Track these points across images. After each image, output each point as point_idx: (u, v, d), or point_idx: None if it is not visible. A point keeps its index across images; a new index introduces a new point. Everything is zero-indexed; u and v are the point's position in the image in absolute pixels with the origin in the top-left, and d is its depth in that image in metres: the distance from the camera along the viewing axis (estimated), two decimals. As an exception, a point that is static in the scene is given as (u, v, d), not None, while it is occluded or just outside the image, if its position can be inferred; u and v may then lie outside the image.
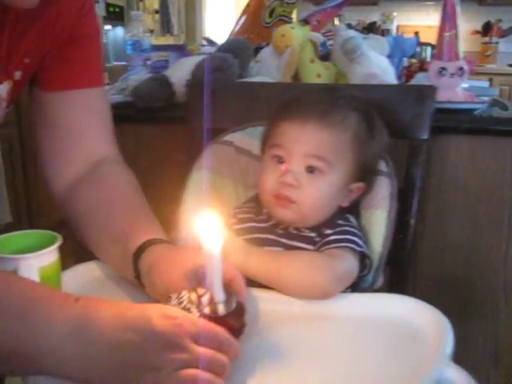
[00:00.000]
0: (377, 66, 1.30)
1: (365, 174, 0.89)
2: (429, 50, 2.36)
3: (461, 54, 1.28)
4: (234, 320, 0.63)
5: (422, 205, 1.23)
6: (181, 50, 1.70)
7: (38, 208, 2.85)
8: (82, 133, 0.91)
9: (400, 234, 1.02)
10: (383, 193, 0.93)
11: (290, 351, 0.67)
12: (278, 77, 1.37)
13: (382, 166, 0.95)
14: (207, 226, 0.59)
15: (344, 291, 0.81)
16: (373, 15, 5.16)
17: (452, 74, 1.28)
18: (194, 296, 0.63)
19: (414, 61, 2.13)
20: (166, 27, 5.00)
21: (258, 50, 1.52)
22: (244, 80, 1.36)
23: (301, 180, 0.84)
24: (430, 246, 1.31)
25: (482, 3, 5.03)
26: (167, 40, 4.92)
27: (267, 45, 1.51)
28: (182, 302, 0.64)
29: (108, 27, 4.09)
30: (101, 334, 0.57)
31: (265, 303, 0.76)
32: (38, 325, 0.57)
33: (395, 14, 4.99)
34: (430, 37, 2.44)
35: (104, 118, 0.94)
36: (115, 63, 3.70)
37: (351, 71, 1.32)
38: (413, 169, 1.04)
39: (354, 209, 0.93)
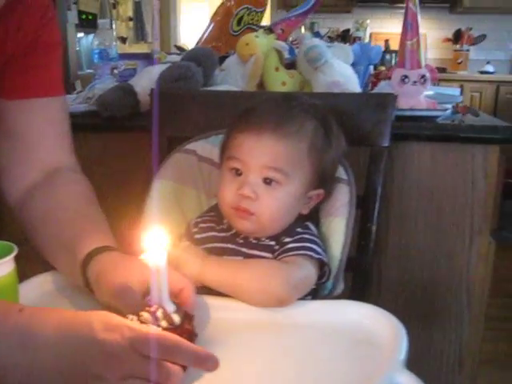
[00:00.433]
0: (340, 74, 1.31)
1: (324, 180, 0.90)
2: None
3: (423, 62, 1.30)
4: (190, 325, 0.64)
5: (384, 211, 1.25)
6: (148, 59, 1.70)
7: (3, 217, 2.81)
8: (38, 142, 0.91)
9: (362, 241, 1.04)
10: (342, 200, 0.94)
11: (247, 359, 0.67)
12: (242, 85, 1.38)
13: (342, 174, 0.96)
14: (152, 240, 0.60)
15: (303, 298, 0.82)
16: (346, 23, 5.20)
17: (414, 82, 1.30)
18: (146, 315, 0.62)
19: (382, 68, 2.16)
20: (140, 35, 4.99)
21: (225, 58, 1.53)
22: (208, 88, 1.36)
23: (258, 192, 0.84)
24: (393, 251, 1.32)
25: (452, 11, 5.12)
26: (141, 47, 4.90)
27: (235, 53, 1.52)
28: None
29: (81, 35, 4.06)
30: (45, 343, 0.57)
31: (222, 311, 0.77)
32: None
33: (368, 21, 5.04)
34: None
35: (62, 127, 0.95)
36: (88, 71, 3.67)
37: (315, 79, 1.33)
38: (374, 176, 1.05)
39: (314, 216, 0.94)
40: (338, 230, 0.93)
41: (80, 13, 3.97)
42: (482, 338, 1.34)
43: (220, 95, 1.21)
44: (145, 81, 1.35)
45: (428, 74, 1.30)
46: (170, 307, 0.62)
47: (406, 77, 1.29)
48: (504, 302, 2.55)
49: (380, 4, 5.19)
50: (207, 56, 1.37)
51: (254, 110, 0.90)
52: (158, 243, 0.61)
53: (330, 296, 0.91)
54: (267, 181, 0.84)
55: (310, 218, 0.92)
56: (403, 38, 1.28)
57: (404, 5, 1.28)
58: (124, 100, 1.32)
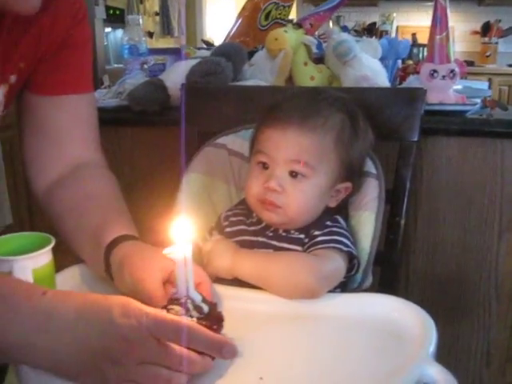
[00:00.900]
0: (369, 68, 1.31)
1: (351, 173, 0.91)
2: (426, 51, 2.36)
3: (452, 57, 1.30)
4: (217, 312, 0.65)
5: (413, 205, 1.25)
6: (177, 54, 1.71)
7: (39, 209, 2.86)
8: (66, 137, 0.94)
9: (391, 235, 1.04)
10: (372, 194, 0.95)
11: (277, 351, 0.69)
12: (271, 80, 1.39)
13: (371, 168, 0.96)
14: (179, 232, 0.61)
15: (333, 291, 0.83)
16: (372, 16, 5.15)
17: (443, 77, 1.29)
18: (177, 308, 0.63)
19: (410, 62, 2.15)
20: (166, 29, 5.03)
21: (253, 53, 1.54)
22: (238, 83, 1.37)
23: (285, 185, 0.85)
24: (421, 246, 1.32)
25: (481, 3, 5.03)
26: (167, 42, 4.94)
27: (263, 48, 1.53)
28: None
29: (108, 30, 4.11)
30: (65, 326, 0.58)
31: (253, 303, 0.78)
32: (6, 319, 0.58)
33: (395, 14, 4.98)
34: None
35: (89, 123, 0.97)
36: (115, 65, 3.72)
37: (344, 74, 1.33)
38: (402, 170, 1.05)
39: (343, 210, 0.95)
40: (367, 223, 0.93)
41: (107, 8, 4.02)
42: (510, 333, 1.33)
43: (249, 90, 1.23)
44: (175, 76, 1.37)
45: (457, 69, 1.30)
46: (197, 297, 0.64)
47: (435, 71, 1.29)
48: (532, 298, 2.52)
49: (406, -3, 5.14)
50: (237, 51, 1.38)
51: (280, 105, 0.91)
52: (184, 235, 0.62)
53: (358, 289, 0.92)
54: (293, 174, 0.86)
55: (339, 212, 0.93)
56: (432, 33, 1.28)
57: (431, -2, 1.27)
58: (155, 95, 1.34)
